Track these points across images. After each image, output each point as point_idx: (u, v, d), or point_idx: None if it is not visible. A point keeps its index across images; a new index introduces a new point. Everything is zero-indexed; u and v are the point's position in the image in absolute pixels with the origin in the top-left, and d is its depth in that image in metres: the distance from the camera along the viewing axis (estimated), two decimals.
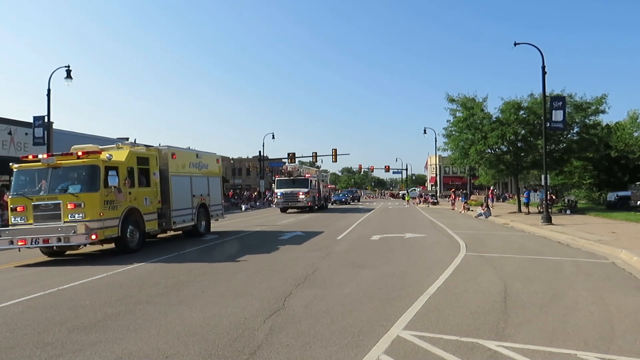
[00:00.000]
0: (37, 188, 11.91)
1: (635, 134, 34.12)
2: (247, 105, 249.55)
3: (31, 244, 11.11)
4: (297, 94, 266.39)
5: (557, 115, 20.37)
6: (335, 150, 56.76)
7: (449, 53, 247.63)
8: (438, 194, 59.76)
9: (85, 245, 11.99)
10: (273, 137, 57.23)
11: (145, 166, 13.82)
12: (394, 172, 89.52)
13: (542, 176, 21.86)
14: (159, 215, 14.18)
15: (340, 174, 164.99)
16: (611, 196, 28.85)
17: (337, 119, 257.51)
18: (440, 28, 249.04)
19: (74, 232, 10.99)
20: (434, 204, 46.82)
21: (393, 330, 5.22)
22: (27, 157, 12.85)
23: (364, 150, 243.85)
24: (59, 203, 11.45)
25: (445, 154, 38.14)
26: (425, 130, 55.01)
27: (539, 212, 24.42)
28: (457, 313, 5.93)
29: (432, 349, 4.60)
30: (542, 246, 12.97)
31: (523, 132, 26.99)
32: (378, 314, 5.93)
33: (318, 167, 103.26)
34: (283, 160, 60.97)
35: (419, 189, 77.55)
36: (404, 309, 6.13)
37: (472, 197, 46.76)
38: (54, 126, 29.47)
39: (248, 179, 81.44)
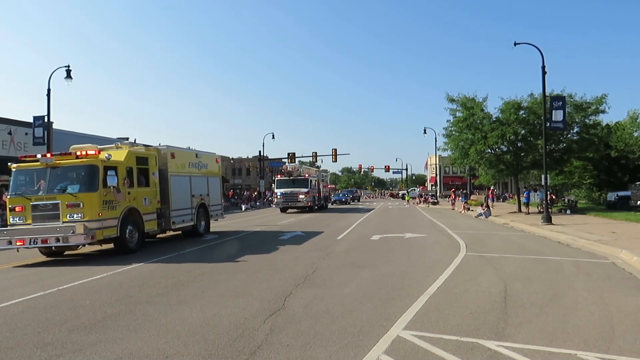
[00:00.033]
0: (35, 188, 11.87)
1: (635, 134, 34.14)
2: (247, 105, 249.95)
3: (30, 244, 11.08)
4: (297, 94, 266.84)
5: (557, 115, 20.38)
6: (335, 150, 56.85)
7: (449, 53, 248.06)
8: (438, 194, 59.80)
9: (84, 245, 11.97)
10: (273, 137, 57.33)
11: (145, 166, 13.80)
12: (394, 172, 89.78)
13: (542, 176, 21.86)
14: (158, 215, 14.16)
15: (340, 174, 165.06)
16: (611, 196, 28.87)
17: (337, 119, 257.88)
18: (440, 28, 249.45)
19: (73, 232, 10.97)
20: (434, 204, 46.81)
21: (393, 330, 5.22)
22: (25, 157, 12.83)
23: (364, 150, 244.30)
24: (58, 203, 11.42)
25: (445, 154, 38.25)
26: (425, 130, 55.68)
27: (539, 212, 24.42)
28: (457, 313, 5.93)
29: (432, 349, 4.60)
30: (542, 246, 12.97)
31: (523, 132, 27.00)
32: (378, 314, 5.93)
33: (318, 167, 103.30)
34: (283, 160, 60.94)
35: (418, 189, 77.46)
36: (404, 309, 6.13)
37: (472, 197, 46.74)
38: (54, 126, 29.49)
39: (248, 179, 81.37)
